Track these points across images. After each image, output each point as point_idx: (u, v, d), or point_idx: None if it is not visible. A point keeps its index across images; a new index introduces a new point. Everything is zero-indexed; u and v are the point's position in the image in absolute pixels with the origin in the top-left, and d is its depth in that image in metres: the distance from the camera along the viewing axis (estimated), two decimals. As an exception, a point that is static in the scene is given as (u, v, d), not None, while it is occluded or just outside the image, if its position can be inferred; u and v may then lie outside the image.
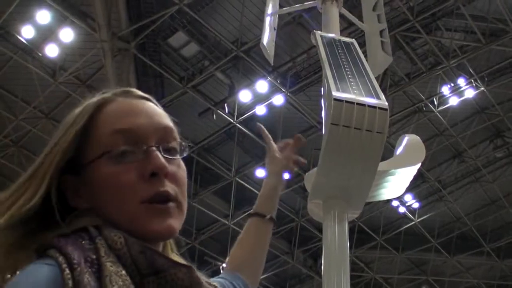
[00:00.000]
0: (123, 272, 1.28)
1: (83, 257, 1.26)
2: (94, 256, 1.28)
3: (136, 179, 1.40)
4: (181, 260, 1.46)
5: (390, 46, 5.73)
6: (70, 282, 1.20)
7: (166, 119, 1.53)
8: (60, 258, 1.25)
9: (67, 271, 1.22)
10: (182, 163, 1.51)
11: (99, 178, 1.41)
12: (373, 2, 6.03)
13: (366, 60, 4.54)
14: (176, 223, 1.42)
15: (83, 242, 1.32)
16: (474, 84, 18.14)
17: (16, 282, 1.23)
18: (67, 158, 1.45)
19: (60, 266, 1.23)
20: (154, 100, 1.57)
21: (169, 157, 1.46)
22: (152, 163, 1.41)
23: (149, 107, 1.52)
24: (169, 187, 1.42)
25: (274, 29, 6.14)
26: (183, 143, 1.52)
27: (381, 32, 5.80)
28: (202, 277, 1.39)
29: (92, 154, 1.44)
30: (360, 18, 6.42)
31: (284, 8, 6.36)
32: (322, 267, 3.93)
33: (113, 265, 1.27)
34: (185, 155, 1.52)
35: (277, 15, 6.41)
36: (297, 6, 6.25)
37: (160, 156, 1.42)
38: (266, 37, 5.91)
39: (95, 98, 1.53)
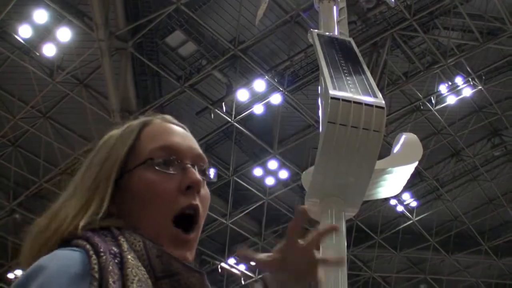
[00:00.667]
0: (142, 267, 1.38)
1: (107, 249, 1.37)
2: (117, 250, 1.39)
3: (174, 189, 1.54)
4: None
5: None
6: (96, 267, 1.30)
7: (198, 145, 1.69)
8: (88, 246, 1.36)
9: (94, 256, 1.33)
10: (207, 189, 1.65)
11: (139, 184, 1.54)
12: None
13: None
14: (191, 254, 1.56)
15: (107, 238, 1.44)
16: (471, 83, 18.16)
17: (45, 261, 1.32)
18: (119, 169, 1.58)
19: (88, 252, 1.34)
20: (187, 129, 1.74)
21: (203, 178, 1.62)
22: (189, 177, 1.56)
23: (185, 133, 1.71)
24: (199, 203, 1.57)
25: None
26: (211, 170, 1.69)
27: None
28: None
29: (134, 163, 1.58)
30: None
31: None
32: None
33: (133, 260, 1.38)
34: (213, 179, 1.69)
35: None
36: None
37: (196, 172, 1.59)
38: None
39: (138, 120, 1.71)
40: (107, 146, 1.64)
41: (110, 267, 1.32)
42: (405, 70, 17.89)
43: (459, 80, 18.26)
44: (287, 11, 16.09)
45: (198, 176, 1.56)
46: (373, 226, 22.31)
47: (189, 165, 1.58)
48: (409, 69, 17.89)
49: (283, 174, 19.73)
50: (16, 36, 15.55)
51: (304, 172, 4.57)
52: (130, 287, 1.30)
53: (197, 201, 1.55)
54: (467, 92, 18.41)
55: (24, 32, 15.44)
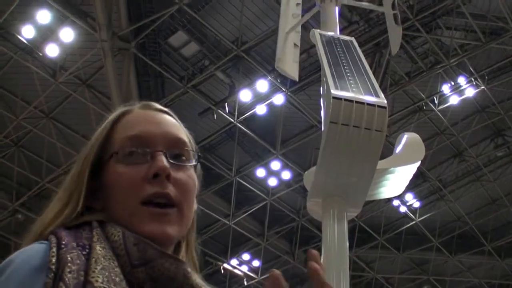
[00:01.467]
0: (113, 257, 1.39)
1: (75, 242, 1.40)
2: (87, 242, 1.41)
3: (139, 179, 1.51)
4: (197, 276, 1.48)
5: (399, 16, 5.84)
6: (53, 259, 1.33)
7: (178, 131, 1.65)
8: (53, 239, 1.40)
9: (54, 249, 1.36)
10: (193, 173, 1.61)
11: (108, 178, 1.55)
12: None
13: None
14: (173, 229, 1.51)
15: (83, 232, 1.45)
16: (474, 83, 18.14)
17: (14, 255, 1.39)
18: (93, 164, 1.59)
19: (50, 244, 1.38)
20: (173, 114, 1.71)
21: (176, 162, 1.57)
22: (155, 165, 1.52)
23: (163, 118, 1.66)
24: (171, 190, 1.52)
25: (295, 45, 6.01)
26: (194, 153, 1.64)
27: (392, 4, 5.91)
28: (197, 277, 1.46)
29: (107, 156, 1.58)
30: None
31: (295, 24, 6.09)
32: (322, 266, 3.91)
33: (102, 250, 1.39)
34: (194, 163, 1.62)
35: (299, 32, 6.31)
36: (305, 16, 6.14)
37: (163, 159, 1.54)
38: (284, 56, 5.83)
39: (118, 110, 1.70)
40: (91, 140, 1.66)
41: (69, 258, 1.34)
42: (408, 70, 17.87)
43: (462, 80, 18.24)
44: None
45: (164, 162, 1.51)
46: (376, 227, 22.28)
47: (158, 152, 1.54)
48: (412, 69, 17.86)
49: (286, 175, 19.73)
50: (19, 37, 15.55)
51: (306, 172, 4.57)
52: (90, 275, 1.31)
53: (166, 188, 1.50)
54: (470, 92, 18.39)
55: (27, 32, 15.46)
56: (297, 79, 5.98)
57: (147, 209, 1.49)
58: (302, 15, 6.22)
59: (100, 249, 1.39)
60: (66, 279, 1.29)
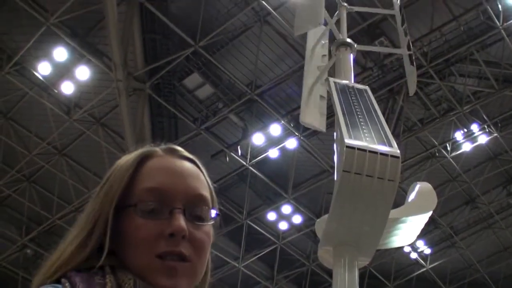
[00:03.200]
0: None
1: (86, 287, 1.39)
2: None
3: (155, 235, 1.49)
4: None
5: (414, 57, 5.91)
6: None
7: (201, 185, 1.61)
8: (67, 284, 1.39)
9: None
10: (210, 230, 1.59)
11: (125, 226, 1.52)
12: (402, 29, 6.20)
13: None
14: (184, 283, 1.50)
15: (96, 277, 1.44)
16: (487, 130, 18.12)
17: None
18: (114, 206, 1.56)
19: None
20: (197, 162, 1.67)
21: (194, 221, 1.55)
22: (172, 225, 1.49)
23: (186, 168, 1.61)
24: (184, 248, 1.51)
25: (322, 97, 5.97)
26: (214, 211, 1.61)
27: (408, 46, 5.98)
28: None
29: (128, 201, 1.55)
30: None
31: (319, 75, 6.00)
32: (332, 315, 3.90)
33: None
34: (211, 222, 1.60)
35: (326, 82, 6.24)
36: (327, 66, 6.12)
37: (181, 219, 1.51)
38: (309, 108, 5.82)
39: (140, 150, 1.66)
40: (108, 181, 1.62)
41: None
42: (421, 117, 17.90)
43: (474, 127, 18.23)
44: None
45: (181, 223, 1.50)
46: (386, 273, 22.10)
47: (177, 210, 1.52)
48: (425, 115, 17.89)
49: (297, 219, 19.67)
50: (35, 73, 15.72)
51: (317, 220, 4.57)
52: None
53: (180, 248, 1.49)
54: (483, 139, 18.37)
55: (43, 69, 15.63)
56: (324, 130, 5.92)
57: (160, 262, 1.48)
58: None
59: None
60: None
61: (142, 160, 1.62)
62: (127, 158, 1.65)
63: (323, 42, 6.53)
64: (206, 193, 1.61)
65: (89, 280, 1.43)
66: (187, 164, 1.63)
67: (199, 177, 1.62)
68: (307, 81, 6.01)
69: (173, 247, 1.49)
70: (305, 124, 5.84)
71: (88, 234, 1.54)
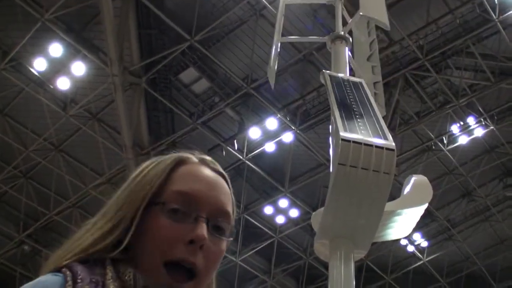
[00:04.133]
0: None
1: (89, 277, 1.43)
2: (100, 279, 1.43)
3: (176, 238, 1.52)
4: None
5: (383, 98, 5.76)
6: None
7: (228, 201, 1.64)
8: (68, 272, 1.43)
9: (70, 282, 1.40)
10: (223, 246, 1.61)
11: (149, 223, 1.54)
12: (368, 53, 6.07)
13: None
14: None
15: (96, 268, 1.48)
16: (483, 123, 18.14)
17: (31, 283, 1.42)
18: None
19: (65, 278, 1.41)
20: (227, 178, 1.71)
21: (215, 234, 1.58)
22: (195, 231, 1.52)
23: (218, 182, 1.66)
24: (199, 260, 1.53)
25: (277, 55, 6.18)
26: (232, 229, 1.64)
27: (375, 84, 5.84)
28: None
29: (155, 201, 1.57)
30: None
31: (294, 37, 6.23)
32: (328, 308, 3.91)
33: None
34: (230, 238, 1.63)
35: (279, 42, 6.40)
36: (306, 38, 6.27)
37: (204, 228, 1.54)
38: (272, 62, 5.96)
39: (175, 155, 1.69)
40: (139, 177, 1.63)
41: None
42: (417, 110, 17.91)
43: (471, 120, 18.25)
44: (300, 50, 16.19)
45: (204, 232, 1.52)
46: (383, 266, 22.14)
47: (202, 218, 1.55)
48: (421, 109, 17.90)
49: (294, 213, 19.71)
50: (31, 69, 15.71)
51: (313, 213, 4.57)
52: None
53: (195, 258, 1.52)
54: (479, 132, 18.40)
55: (39, 65, 15.62)
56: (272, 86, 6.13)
57: (166, 274, 1.50)
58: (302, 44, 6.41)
59: (114, 287, 1.42)
60: None
61: (177, 164, 1.65)
62: (158, 161, 1.68)
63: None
64: (231, 210, 1.64)
65: (90, 269, 1.46)
66: (219, 178, 1.67)
67: (228, 194, 1.66)
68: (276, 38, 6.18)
69: (188, 255, 1.51)
70: (270, 71, 5.95)
71: (113, 227, 1.56)
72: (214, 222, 1.57)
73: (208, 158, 1.72)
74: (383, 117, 4.35)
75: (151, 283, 1.47)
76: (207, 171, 1.66)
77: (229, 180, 1.71)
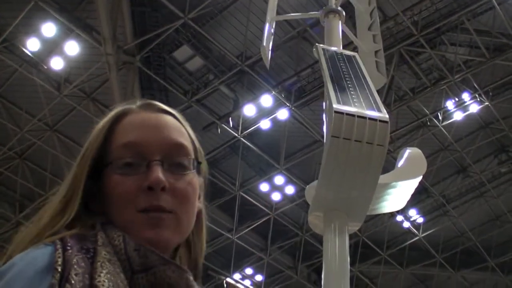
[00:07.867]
0: (117, 262, 1.38)
1: (80, 245, 1.39)
2: (91, 246, 1.40)
3: (134, 190, 1.48)
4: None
5: (385, 66, 5.72)
6: (60, 260, 1.32)
7: (178, 134, 1.59)
8: (57, 241, 1.38)
9: (60, 251, 1.34)
10: (193, 179, 1.56)
11: (106, 185, 1.52)
12: (368, 22, 6.04)
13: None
14: (169, 233, 1.49)
15: (87, 235, 1.44)
16: (478, 99, 18.14)
17: (16, 258, 1.36)
18: (91, 166, 1.57)
19: (55, 246, 1.36)
20: (176, 114, 1.65)
21: (173, 172, 1.53)
22: (149, 178, 1.48)
23: (163, 121, 1.60)
24: (165, 201, 1.49)
25: (272, 34, 6.14)
26: (194, 159, 1.58)
27: (376, 52, 5.80)
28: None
29: (106, 160, 1.55)
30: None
31: (287, 15, 6.22)
32: (322, 280, 3.93)
33: (107, 254, 1.38)
34: (193, 171, 1.57)
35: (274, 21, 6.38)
36: (299, 15, 6.26)
37: (159, 171, 1.49)
38: (266, 41, 5.92)
39: (116, 109, 1.65)
40: (88, 141, 1.63)
41: (75, 260, 1.33)
42: (412, 86, 17.90)
43: (466, 96, 18.25)
44: (294, 26, 16.14)
45: (159, 175, 1.47)
46: (379, 242, 22.24)
47: (154, 162, 1.50)
48: (416, 85, 17.89)
49: (290, 190, 19.74)
50: (24, 49, 15.63)
51: (307, 186, 4.57)
52: (96, 279, 1.30)
53: (159, 201, 1.47)
54: (474, 108, 18.40)
55: (32, 45, 15.54)
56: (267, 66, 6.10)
57: (143, 216, 1.47)
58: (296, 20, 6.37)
59: (106, 253, 1.38)
60: (73, 281, 1.28)
61: (117, 118, 1.61)
62: (101, 122, 1.64)
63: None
64: (186, 142, 1.59)
65: (80, 237, 1.43)
66: (165, 117, 1.61)
67: (178, 128, 1.61)
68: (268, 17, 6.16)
69: (152, 201, 1.47)
70: (263, 51, 5.90)
71: (67, 200, 1.54)
72: (170, 161, 1.53)
73: (151, 101, 1.66)
74: (380, 90, 4.35)
75: (139, 244, 1.42)
76: (150, 115, 1.60)
77: (179, 115, 1.65)
